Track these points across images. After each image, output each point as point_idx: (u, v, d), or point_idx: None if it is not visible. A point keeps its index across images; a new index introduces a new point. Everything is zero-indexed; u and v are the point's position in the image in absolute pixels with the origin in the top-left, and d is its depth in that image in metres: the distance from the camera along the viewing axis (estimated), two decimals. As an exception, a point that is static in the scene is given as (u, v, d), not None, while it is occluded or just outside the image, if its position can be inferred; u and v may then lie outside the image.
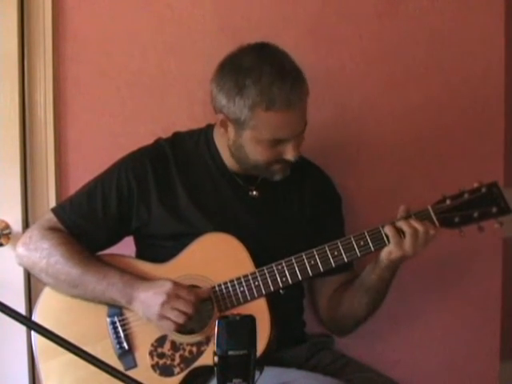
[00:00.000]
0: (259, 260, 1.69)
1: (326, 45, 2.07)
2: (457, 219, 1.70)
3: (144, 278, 1.69)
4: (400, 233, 1.66)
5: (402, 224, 1.66)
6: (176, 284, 1.65)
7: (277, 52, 1.69)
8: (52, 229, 1.76)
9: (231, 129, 1.71)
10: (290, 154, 1.69)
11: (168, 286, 1.64)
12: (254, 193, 1.81)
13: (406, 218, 1.68)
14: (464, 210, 1.69)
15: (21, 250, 1.77)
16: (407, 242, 1.65)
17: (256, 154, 1.70)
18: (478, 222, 1.70)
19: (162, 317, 1.64)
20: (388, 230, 1.67)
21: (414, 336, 2.11)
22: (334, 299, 1.85)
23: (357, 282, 1.79)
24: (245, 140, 1.70)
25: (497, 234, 2.01)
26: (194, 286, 1.69)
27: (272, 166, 1.73)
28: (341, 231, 1.88)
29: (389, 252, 1.67)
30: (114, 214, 1.76)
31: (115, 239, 1.81)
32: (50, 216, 1.79)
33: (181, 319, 1.63)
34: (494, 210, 1.69)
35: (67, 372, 1.69)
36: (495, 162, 2.09)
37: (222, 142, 1.79)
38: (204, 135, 1.83)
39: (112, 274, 1.69)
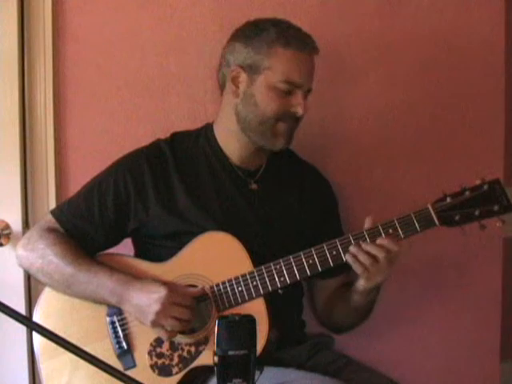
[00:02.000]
0: (258, 253, 1.69)
1: (327, 44, 2.06)
2: (457, 217, 1.68)
3: (134, 277, 1.68)
4: (363, 265, 1.65)
5: (358, 255, 1.65)
6: (171, 290, 1.63)
7: None
8: (50, 229, 1.76)
9: (243, 79, 1.74)
10: (298, 107, 1.72)
11: (162, 292, 1.62)
12: (254, 186, 1.81)
13: (371, 231, 1.67)
14: (465, 207, 1.68)
15: (20, 251, 1.78)
16: (375, 272, 1.65)
17: (266, 101, 1.72)
18: (479, 220, 1.68)
19: (157, 325, 1.63)
20: (354, 266, 1.66)
21: (413, 336, 2.11)
22: (329, 305, 1.87)
23: (346, 296, 1.79)
24: (257, 87, 1.73)
25: (497, 234, 2.01)
26: (192, 286, 1.69)
27: (278, 122, 1.73)
28: (339, 232, 1.88)
29: (362, 285, 1.69)
30: (111, 215, 1.76)
31: (113, 240, 1.81)
32: (49, 218, 1.80)
33: (177, 327, 1.63)
34: (496, 207, 1.67)
35: (71, 371, 1.69)
36: (495, 161, 2.09)
37: (223, 129, 1.80)
38: (204, 132, 1.85)
39: (102, 273, 1.69)
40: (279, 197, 1.83)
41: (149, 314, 1.63)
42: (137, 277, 1.69)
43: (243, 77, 1.74)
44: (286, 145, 1.77)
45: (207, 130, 1.85)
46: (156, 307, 1.62)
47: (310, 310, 1.95)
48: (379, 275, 1.66)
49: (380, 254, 1.64)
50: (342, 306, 1.82)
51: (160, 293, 1.63)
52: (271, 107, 1.72)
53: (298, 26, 1.76)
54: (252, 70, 1.73)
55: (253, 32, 1.74)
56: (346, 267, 1.72)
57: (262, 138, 1.76)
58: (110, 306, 1.71)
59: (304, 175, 1.89)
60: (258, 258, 1.69)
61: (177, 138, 1.85)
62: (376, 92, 2.08)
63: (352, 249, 1.66)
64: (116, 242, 1.82)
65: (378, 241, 1.65)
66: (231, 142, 1.80)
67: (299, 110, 1.72)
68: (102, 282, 1.68)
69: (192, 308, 1.64)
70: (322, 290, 1.88)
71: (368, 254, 1.64)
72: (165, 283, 1.65)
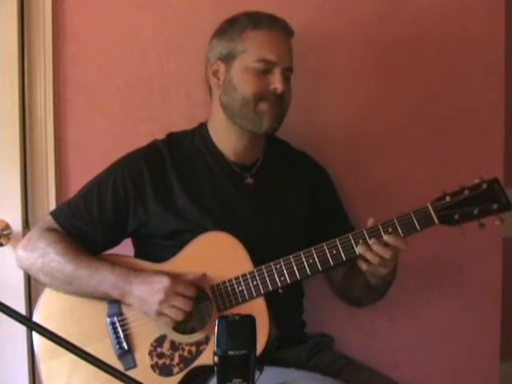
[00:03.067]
0: (256, 248, 1.69)
1: (327, 45, 2.07)
2: (457, 216, 1.68)
3: (136, 270, 1.69)
4: (367, 263, 1.66)
5: (364, 252, 1.66)
6: (173, 280, 1.65)
7: None
8: (50, 229, 1.77)
9: (222, 69, 1.78)
10: (277, 84, 1.73)
11: (165, 282, 1.64)
12: (250, 180, 1.81)
13: (371, 230, 1.68)
14: (464, 206, 1.68)
15: (20, 252, 1.78)
16: (380, 267, 1.66)
17: (244, 83, 1.74)
18: (478, 219, 1.68)
19: (161, 314, 1.64)
20: (362, 265, 1.67)
21: (413, 336, 2.11)
22: (343, 285, 1.91)
23: (361, 280, 1.79)
24: (234, 71, 1.76)
25: (497, 234, 2.01)
26: (192, 286, 1.69)
27: (259, 103, 1.73)
28: (345, 214, 1.93)
29: (372, 276, 1.71)
30: (110, 216, 1.76)
31: (113, 241, 1.81)
32: (49, 219, 1.80)
33: (180, 316, 1.64)
34: (495, 206, 1.68)
35: (71, 371, 1.69)
36: (495, 161, 2.08)
37: (217, 124, 1.81)
38: (198, 131, 1.87)
39: (104, 268, 1.69)
40: (276, 190, 1.83)
41: (152, 304, 1.64)
42: (138, 270, 1.69)
43: (222, 67, 1.78)
44: (271, 126, 1.76)
45: (202, 129, 1.86)
46: (159, 297, 1.63)
47: (311, 308, 1.96)
48: (384, 270, 1.67)
49: (387, 255, 1.64)
50: (357, 286, 1.84)
51: (163, 283, 1.64)
52: (249, 88, 1.74)
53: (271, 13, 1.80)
54: (228, 57, 1.76)
55: (225, 25, 1.80)
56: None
57: (247, 121, 1.76)
58: (110, 306, 1.71)
59: (300, 167, 1.90)
60: (256, 253, 1.69)
61: (173, 139, 1.86)
62: (376, 92, 2.08)
63: (360, 249, 1.66)
64: (116, 242, 1.82)
65: (386, 238, 1.65)
66: (224, 137, 1.81)
67: (278, 86, 1.73)
68: (104, 277, 1.68)
69: (194, 298, 1.64)
70: (332, 273, 1.91)
71: (376, 254, 1.65)
72: (167, 274, 1.66)
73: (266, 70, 1.73)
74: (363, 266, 1.67)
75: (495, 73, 2.09)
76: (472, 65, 2.09)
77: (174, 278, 1.66)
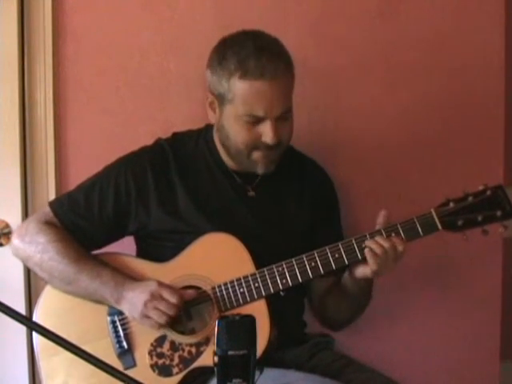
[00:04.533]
0: (258, 258, 1.69)
1: (327, 45, 2.07)
2: (460, 222, 1.68)
3: (135, 278, 1.70)
4: (375, 256, 1.65)
5: (371, 244, 1.65)
6: (160, 284, 1.65)
7: (266, 34, 1.71)
8: (49, 223, 1.76)
9: (216, 107, 1.73)
10: (267, 137, 1.66)
11: (152, 286, 1.65)
12: (252, 192, 1.81)
13: (374, 234, 1.67)
14: (468, 213, 1.68)
15: (16, 241, 1.77)
16: (381, 267, 1.65)
17: (235, 133, 1.69)
18: (482, 226, 1.68)
19: (145, 316, 1.65)
20: (366, 253, 1.65)
21: (413, 336, 2.11)
22: (324, 300, 1.86)
23: (339, 289, 1.79)
24: (225, 117, 1.70)
25: (497, 235, 2.01)
26: (193, 287, 1.69)
27: (252, 152, 1.71)
28: (339, 228, 1.90)
29: (364, 274, 1.68)
30: (110, 214, 1.76)
31: (112, 238, 1.81)
32: (47, 210, 1.79)
33: (162, 319, 1.63)
34: (499, 213, 1.67)
35: (71, 369, 1.69)
36: (495, 161, 2.08)
37: (218, 141, 1.79)
38: (203, 135, 1.84)
39: (105, 274, 1.69)
40: (278, 202, 1.82)
41: (138, 306, 1.64)
42: (140, 278, 1.70)
43: (216, 104, 1.73)
44: (266, 170, 1.74)
45: (207, 133, 1.84)
46: (144, 298, 1.64)
47: (309, 309, 1.95)
48: (385, 268, 1.66)
49: (390, 250, 1.64)
50: (335, 301, 1.82)
51: (150, 286, 1.65)
52: (240, 139, 1.69)
53: (266, 45, 1.66)
54: (220, 100, 1.70)
55: (216, 60, 1.69)
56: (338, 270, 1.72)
57: (242, 165, 1.75)
58: (103, 304, 1.71)
59: (304, 174, 1.88)
60: (257, 262, 1.69)
61: (178, 138, 1.85)
62: (376, 94, 2.08)
63: (367, 242, 1.66)
64: (113, 240, 1.82)
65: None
66: (225, 153, 1.79)
67: (268, 140, 1.67)
68: (105, 282, 1.68)
69: (179, 306, 1.64)
70: (317, 287, 1.87)
71: (381, 246, 1.64)
72: (157, 280, 1.67)
73: (256, 122, 1.66)
74: (372, 259, 1.64)
75: (495, 73, 2.09)
76: (472, 66, 2.09)
77: (163, 283, 1.66)
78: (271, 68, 1.63)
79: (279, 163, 1.80)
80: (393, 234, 1.67)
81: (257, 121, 1.66)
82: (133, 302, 1.66)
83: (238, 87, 1.64)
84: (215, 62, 1.69)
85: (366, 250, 1.65)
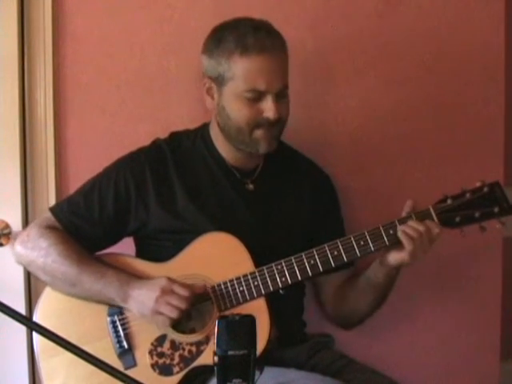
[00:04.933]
0: (257, 254, 1.69)
1: (327, 44, 2.06)
2: (458, 219, 1.69)
3: (140, 277, 1.70)
4: (412, 240, 1.65)
5: (409, 230, 1.66)
6: (170, 279, 1.66)
7: (257, 18, 1.75)
8: (50, 227, 1.76)
9: (215, 91, 1.74)
10: (270, 111, 1.69)
11: (163, 281, 1.65)
12: (251, 186, 1.81)
13: (407, 219, 1.67)
14: (465, 209, 1.69)
15: (19, 248, 1.78)
16: (418, 249, 1.65)
17: (236, 112, 1.71)
18: (479, 222, 1.69)
19: (156, 312, 1.65)
20: (402, 237, 1.66)
21: (414, 336, 2.11)
22: (338, 296, 1.87)
23: (362, 281, 1.80)
24: (225, 98, 1.72)
25: (497, 234, 2.01)
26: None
27: (254, 130, 1.71)
28: (341, 225, 1.90)
29: (401, 259, 1.68)
30: (111, 215, 1.76)
31: (113, 240, 1.81)
32: (48, 215, 1.80)
33: (175, 314, 1.63)
34: (496, 209, 1.69)
35: (71, 369, 1.69)
36: (495, 161, 2.09)
37: (217, 132, 1.80)
38: (200, 132, 1.85)
39: (109, 274, 1.70)
40: (277, 196, 1.83)
41: (149, 302, 1.64)
42: (142, 277, 1.70)
43: (214, 88, 1.74)
44: (269, 148, 1.75)
45: (204, 131, 1.85)
46: (155, 293, 1.64)
47: (319, 307, 1.95)
48: (420, 253, 1.66)
49: (425, 233, 1.65)
50: (354, 296, 1.83)
51: (160, 282, 1.65)
52: (242, 117, 1.70)
53: (260, 24, 1.71)
54: (219, 81, 1.72)
55: (213, 43, 1.73)
56: (351, 263, 1.72)
57: (244, 145, 1.75)
58: (110, 305, 1.71)
59: (302, 171, 1.89)
60: (256, 259, 1.69)
61: (176, 138, 1.85)
62: (375, 93, 2.08)
63: (401, 226, 1.67)
64: (115, 241, 1.82)
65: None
66: (224, 145, 1.80)
67: (270, 115, 1.69)
68: (109, 283, 1.68)
69: (190, 300, 1.64)
70: (329, 284, 1.88)
71: (415, 229, 1.65)
72: (166, 276, 1.67)
73: (257, 98, 1.69)
74: (407, 242, 1.65)
75: (495, 73, 2.09)
76: (472, 65, 2.09)
77: (173, 279, 1.67)
78: (270, 43, 1.68)
79: (277, 161, 1.82)
80: (391, 231, 1.68)
81: (258, 97, 1.69)
82: (141, 299, 1.66)
83: (239, 64, 1.67)
84: (212, 46, 1.72)
85: (401, 235, 1.66)
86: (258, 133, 1.72)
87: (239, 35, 1.68)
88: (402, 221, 1.69)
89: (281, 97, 1.71)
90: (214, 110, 1.77)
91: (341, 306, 1.88)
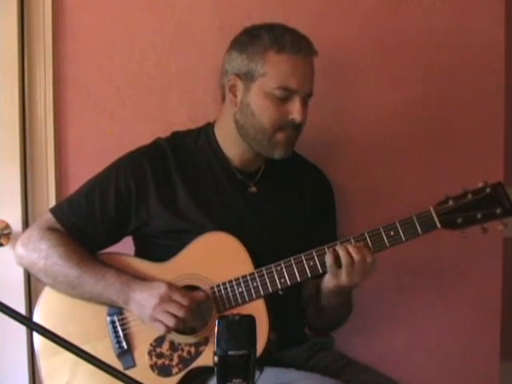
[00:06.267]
0: (258, 256, 1.69)
1: (327, 45, 2.06)
2: (459, 220, 1.67)
3: (142, 279, 1.70)
4: (338, 261, 1.63)
5: (339, 250, 1.64)
6: (171, 287, 1.65)
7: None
8: (51, 229, 1.76)
9: (240, 88, 1.73)
10: (296, 113, 1.70)
11: (162, 288, 1.65)
12: (253, 189, 1.81)
13: (344, 242, 1.66)
14: (467, 210, 1.67)
15: (20, 250, 1.78)
16: (343, 272, 1.63)
17: (262, 110, 1.71)
18: (481, 224, 1.67)
19: (154, 319, 1.64)
20: (327, 258, 1.64)
21: (413, 336, 2.11)
22: (309, 305, 1.85)
23: (318, 299, 1.78)
24: (253, 95, 1.72)
25: (497, 234, 2.01)
26: (192, 286, 1.69)
27: (277, 132, 1.72)
28: (335, 228, 1.90)
29: (326, 281, 1.68)
30: (112, 214, 1.76)
31: (114, 239, 1.81)
32: (49, 216, 1.79)
33: (171, 322, 1.63)
34: (499, 211, 1.67)
35: (71, 369, 1.69)
36: (495, 161, 2.09)
37: (225, 131, 1.79)
38: (204, 132, 1.85)
39: (110, 275, 1.69)
40: (278, 198, 1.83)
41: (148, 308, 1.64)
42: (142, 278, 1.70)
43: (240, 85, 1.74)
44: (285, 154, 1.75)
45: (208, 130, 1.84)
46: (154, 300, 1.64)
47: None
48: (346, 278, 1.64)
49: (356, 256, 1.62)
50: (314, 309, 1.82)
51: (160, 288, 1.65)
52: (267, 116, 1.71)
53: (294, 29, 1.74)
54: (247, 77, 1.72)
55: (247, 39, 1.74)
56: None
57: (260, 147, 1.75)
58: (111, 306, 1.71)
59: (304, 174, 1.89)
60: (257, 261, 1.69)
61: (177, 137, 1.85)
62: (375, 93, 2.08)
63: (338, 247, 1.65)
64: (116, 240, 1.82)
65: (356, 244, 1.65)
66: (232, 146, 1.80)
67: (297, 117, 1.70)
68: (110, 284, 1.68)
69: (190, 308, 1.64)
70: (307, 289, 1.86)
71: (348, 253, 1.63)
72: (167, 282, 1.66)
73: (285, 98, 1.70)
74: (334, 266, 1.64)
75: (495, 72, 2.09)
76: (472, 65, 2.09)
77: (173, 285, 1.66)
78: (306, 46, 1.72)
79: (279, 163, 1.81)
80: (392, 233, 1.67)
81: (286, 97, 1.70)
82: (141, 304, 1.66)
83: (274, 61, 1.69)
84: (246, 41, 1.73)
85: (331, 260, 1.64)
86: (280, 135, 1.72)
87: (276, 34, 1.70)
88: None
89: (305, 102, 1.73)
90: (234, 107, 1.76)
91: (309, 315, 1.88)
